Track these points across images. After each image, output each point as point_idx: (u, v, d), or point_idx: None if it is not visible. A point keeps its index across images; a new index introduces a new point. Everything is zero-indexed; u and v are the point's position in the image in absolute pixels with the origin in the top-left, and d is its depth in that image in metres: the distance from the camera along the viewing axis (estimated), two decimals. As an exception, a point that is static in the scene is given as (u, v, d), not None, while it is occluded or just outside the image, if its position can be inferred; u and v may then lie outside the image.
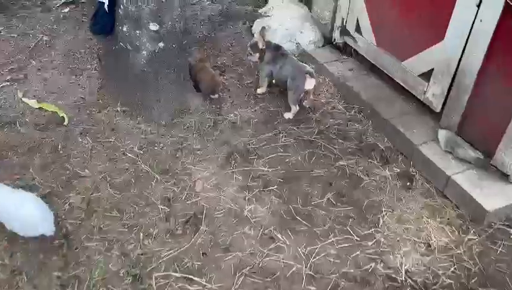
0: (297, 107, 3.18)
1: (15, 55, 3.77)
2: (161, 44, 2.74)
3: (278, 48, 3.28)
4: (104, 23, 2.74)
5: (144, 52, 2.75)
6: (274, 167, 2.77)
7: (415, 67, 2.97)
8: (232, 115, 3.21)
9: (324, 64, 3.64)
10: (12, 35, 4.09)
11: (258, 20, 4.25)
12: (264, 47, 3.26)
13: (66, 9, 4.61)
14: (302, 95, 3.12)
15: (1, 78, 3.44)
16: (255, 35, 3.52)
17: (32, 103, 3.20)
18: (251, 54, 3.30)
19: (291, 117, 3.19)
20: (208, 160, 2.80)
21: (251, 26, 4.33)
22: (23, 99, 3.24)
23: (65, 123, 3.01)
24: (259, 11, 4.25)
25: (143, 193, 2.54)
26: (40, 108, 3.16)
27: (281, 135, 3.03)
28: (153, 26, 2.64)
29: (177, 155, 2.81)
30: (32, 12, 4.52)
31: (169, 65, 2.89)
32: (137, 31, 2.69)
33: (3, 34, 4.08)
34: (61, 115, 3.08)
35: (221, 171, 2.72)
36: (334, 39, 3.87)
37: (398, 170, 2.79)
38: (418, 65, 2.94)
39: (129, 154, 2.78)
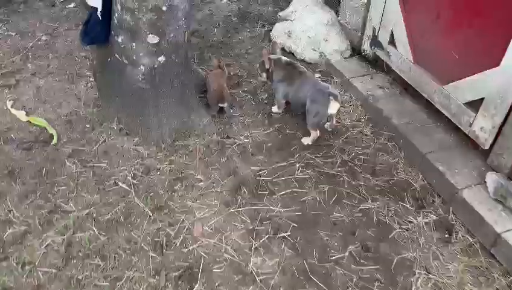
0: (318, 133, 2.75)
1: (10, 57, 3.45)
2: (161, 58, 2.35)
3: (291, 65, 2.86)
4: (97, 33, 2.37)
5: (142, 67, 2.36)
6: (287, 206, 2.37)
7: (461, 93, 2.50)
8: (242, 137, 2.81)
9: (351, 79, 3.19)
10: (10, 33, 3.78)
11: (277, 24, 3.81)
12: (270, 67, 2.84)
13: (71, 5, 4.27)
14: (323, 121, 2.69)
15: (-10, 83, 3.12)
16: (272, 42, 3.11)
17: (21, 115, 2.87)
18: (259, 74, 2.95)
19: (310, 143, 2.77)
20: (210, 194, 2.41)
21: (270, 30, 3.91)
22: (12, 110, 2.91)
23: (53, 142, 2.66)
24: (279, 14, 3.80)
25: (132, 234, 2.18)
26: (28, 122, 2.83)
27: (298, 165, 2.62)
28: (152, 39, 2.25)
29: (176, 187, 2.43)
30: (34, 8, 4.19)
31: (172, 81, 2.50)
32: (134, 44, 2.30)
33: (1, 33, 3.77)
34: (50, 132, 2.73)
35: (225, 209, 2.33)
36: (364, 50, 3.41)
37: (435, 217, 2.35)
38: (465, 92, 2.47)
39: (121, 185, 2.42)
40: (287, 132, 2.88)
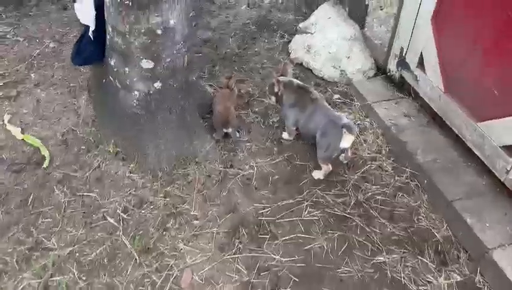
0: (330, 167, 2.47)
1: (15, 66, 3.32)
2: (158, 84, 2.13)
3: (303, 89, 2.58)
4: (89, 53, 2.16)
5: (136, 93, 2.15)
6: (290, 255, 2.11)
7: (497, 134, 2.17)
8: (247, 167, 2.56)
9: (373, 104, 2.88)
10: (18, 38, 3.65)
11: (297, 35, 3.52)
12: (280, 90, 2.57)
13: (84, 9, 4.09)
14: (335, 155, 2.41)
15: (-10, 94, 2.99)
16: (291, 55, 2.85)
17: (16, 132, 2.72)
18: (268, 97, 2.70)
19: (321, 178, 2.49)
20: (205, 235, 2.18)
21: (289, 42, 3.62)
22: (8, 126, 2.76)
23: (45, 165, 2.49)
24: (299, 26, 3.51)
25: (115, 281, 1.97)
26: (23, 140, 2.67)
27: (306, 204, 2.35)
28: (146, 64, 2.03)
29: (168, 225, 2.22)
30: (46, 11, 4.06)
31: (170, 107, 2.27)
32: (126, 68, 2.09)
33: (9, 38, 3.64)
34: (43, 153, 2.57)
35: (220, 255, 2.10)
36: (389, 70, 3.08)
37: (459, 278, 2.04)
38: (502, 133, 2.13)
39: (110, 219, 2.22)
40: (297, 162, 2.61)
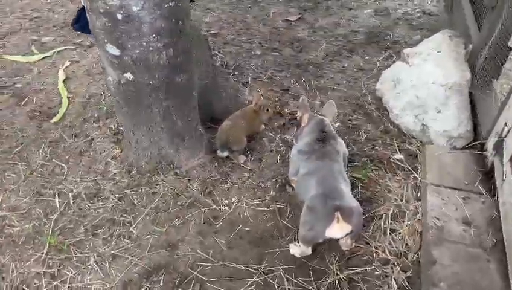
0: (309, 251, 1.83)
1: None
2: (128, 75, 1.81)
3: (323, 132, 1.94)
4: (85, 23, 1.96)
5: (110, 78, 1.89)
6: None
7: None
8: (226, 201, 2.09)
9: (431, 186, 2.01)
10: None
11: (398, 62, 2.71)
12: (304, 123, 1.96)
13: None
14: (320, 241, 1.75)
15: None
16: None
17: (60, 79, 2.81)
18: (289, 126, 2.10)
19: (297, 255, 1.87)
20: (121, 263, 1.85)
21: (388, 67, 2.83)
22: (60, 71, 2.86)
23: (53, 120, 2.50)
24: (403, 51, 2.68)
25: (12, 265, 1.84)
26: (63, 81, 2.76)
27: (253, 280, 1.79)
28: (112, 50, 1.72)
29: (100, 231, 1.96)
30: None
31: (150, 105, 1.95)
32: (98, 49, 1.83)
33: None
34: (61, 108, 2.58)
35: (119, 291, 1.76)
36: (486, 149, 2.11)
37: None
38: None
39: (56, 200, 2.08)
40: (285, 221, 2.01)
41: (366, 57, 3.03)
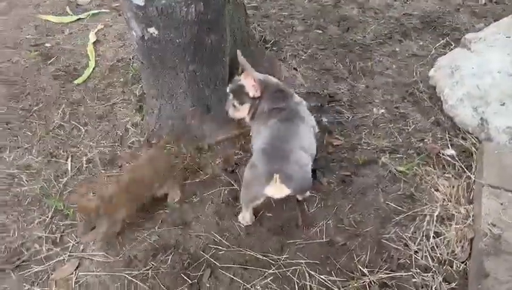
0: (250, 218, 1.70)
1: None
2: (153, 30, 1.63)
3: (283, 94, 1.73)
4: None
5: (133, 33, 1.71)
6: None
7: None
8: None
9: (486, 187, 1.72)
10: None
11: (457, 48, 2.40)
12: (258, 93, 1.70)
13: None
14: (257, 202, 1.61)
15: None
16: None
17: (91, 41, 2.67)
18: (234, 106, 1.78)
19: (242, 223, 1.72)
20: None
21: (444, 55, 2.51)
22: (91, 33, 2.73)
23: (76, 81, 2.37)
24: (465, 36, 2.36)
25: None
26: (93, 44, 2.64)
27: (270, 272, 1.58)
28: (136, 0, 1.55)
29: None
30: None
31: (175, 67, 1.76)
32: (123, -1, 1.65)
33: None
34: (87, 69, 2.45)
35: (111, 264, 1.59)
36: (559, 150, 1.79)
37: None
38: None
39: (67, 162, 1.94)
40: (313, 208, 1.78)
41: (420, 43, 2.72)
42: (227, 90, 1.77)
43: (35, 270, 1.58)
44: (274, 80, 1.78)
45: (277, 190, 1.49)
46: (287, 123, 1.62)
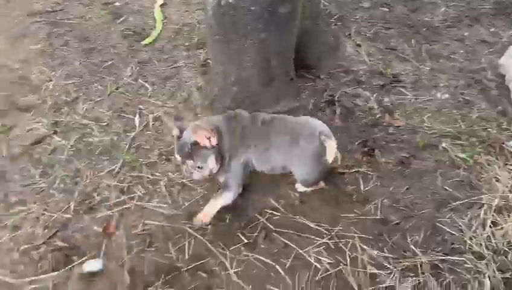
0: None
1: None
2: (229, -4, 1.67)
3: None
4: None
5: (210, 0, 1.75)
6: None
7: None
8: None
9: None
10: None
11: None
12: (215, 140, 1.58)
13: None
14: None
15: None
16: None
17: (158, 4, 2.75)
18: (199, 168, 1.60)
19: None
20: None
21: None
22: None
23: (144, 42, 2.46)
24: None
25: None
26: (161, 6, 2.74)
27: (323, 241, 1.63)
28: (218, -36, 1.58)
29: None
30: None
31: (246, 35, 1.80)
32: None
33: None
34: (155, 31, 2.52)
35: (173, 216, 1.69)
36: None
37: None
38: None
39: (114, 123, 2.05)
40: (368, 185, 1.80)
41: (492, 29, 2.61)
42: (179, 160, 1.62)
43: (105, 214, 1.71)
44: (214, 117, 1.73)
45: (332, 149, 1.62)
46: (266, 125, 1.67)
